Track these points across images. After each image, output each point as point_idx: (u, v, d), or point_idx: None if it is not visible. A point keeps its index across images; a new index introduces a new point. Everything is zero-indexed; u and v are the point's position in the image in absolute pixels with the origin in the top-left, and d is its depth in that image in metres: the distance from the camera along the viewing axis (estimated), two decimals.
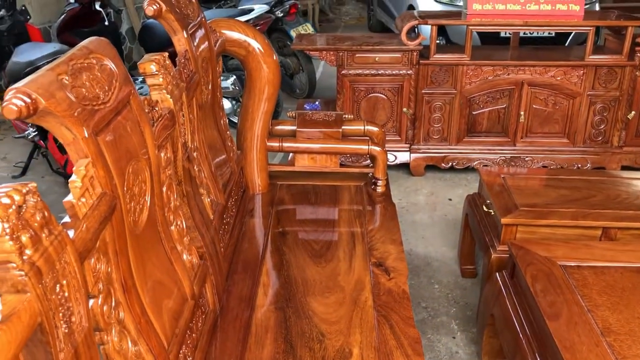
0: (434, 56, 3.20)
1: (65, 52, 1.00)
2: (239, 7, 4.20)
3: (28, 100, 0.85)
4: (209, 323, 1.48)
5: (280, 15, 4.52)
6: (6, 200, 0.72)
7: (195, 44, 1.63)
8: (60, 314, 0.79)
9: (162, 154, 1.29)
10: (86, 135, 0.93)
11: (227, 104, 3.95)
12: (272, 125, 2.24)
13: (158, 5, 1.48)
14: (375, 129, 2.25)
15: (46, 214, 0.78)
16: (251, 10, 3.93)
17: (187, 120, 1.45)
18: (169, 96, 1.33)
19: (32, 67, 2.85)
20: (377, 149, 2.17)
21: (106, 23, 3.97)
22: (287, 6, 4.56)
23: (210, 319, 1.50)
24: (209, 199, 1.66)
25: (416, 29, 3.36)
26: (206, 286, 1.49)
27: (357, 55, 3.21)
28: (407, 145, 3.41)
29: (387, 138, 3.29)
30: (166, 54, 1.36)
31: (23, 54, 3.06)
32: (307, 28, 4.72)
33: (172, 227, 1.34)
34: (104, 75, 1.05)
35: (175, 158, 1.39)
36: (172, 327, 1.22)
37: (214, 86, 1.82)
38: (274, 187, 2.24)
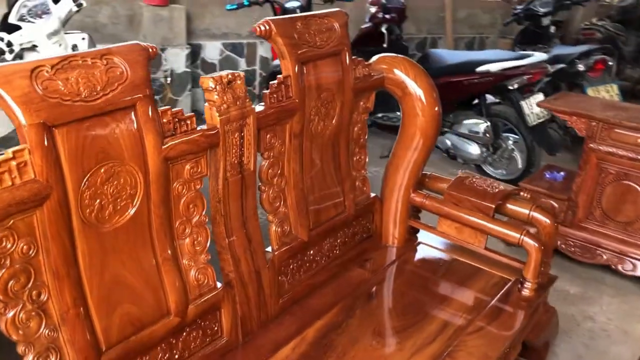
0: None
1: None
2: (520, 52, 3.85)
3: None
4: (215, 350, 1.45)
5: (582, 69, 3.99)
6: None
7: (312, 72, 1.58)
8: None
9: (188, 166, 1.30)
10: (27, 123, 0.99)
11: (475, 150, 3.70)
12: (429, 178, 2.02)
13: (268, 27, 1.47)
14: (545, 219, 1.82)
15: None
16: (529, 56, 3.56)
17: (250, 143, 1.41)
18: (217, 114, 1.32)
19: None
20: (532, 243, 1.75)
21: (384, 45, 4.11)
22: (592, 60, 3.99)
23: (220, 346, 1.46)
24: (279, 229, 1.60)
25: None
26: (221, 312, 1.45)
27: (615, 130, 2.62)
28: None
29: (633, 241, 2.63)
30: (235, 74, 1.35)
31: None
32: (612, 90, 4.05)
33: (186, 240, 1.34)
34: (105, 76, 1.11)
35: (217, 175, 1.38)
36: (124, 332, 1.23)
37: (343, 121, 1.73)
38: (410, 245, 2.03)
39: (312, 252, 1.73)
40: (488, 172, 3.84)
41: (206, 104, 1.34)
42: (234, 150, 1.38)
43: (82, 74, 1.08)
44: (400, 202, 1.98)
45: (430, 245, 2.03)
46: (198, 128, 1.29)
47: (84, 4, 2.78)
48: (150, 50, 1.21)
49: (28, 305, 1.07)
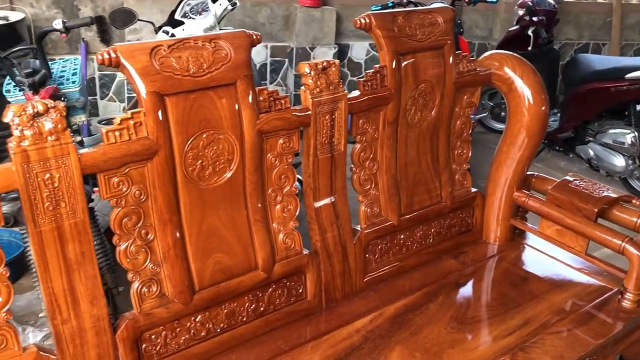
0: None
1: None
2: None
3: (113, 55, 1.22)
4: (298, 310, 1.61)
5: None
6: (29, 107, 1.11)
7: (410, 64, 1.67)
8: (45, 194, 1.15)
9: (281, 141, 1.47)
10: (145, 91, 1.23)
11: (620, 162, 3.46)
12: (535, 178, 1.99)
13: (368, 20, 1.60)
14: None
15: (60, 126, 1.14)
16: None
17: (340, 126, 1.54)
18: (310, 97, 1.48)
19: None
20: (635, 251, 1.67)
21: (529, 48, 3.98)
22: None
23: (303, 307, 1.62)
24: (368, 209, 1.71)
25: None
26: (306, 276, 1.61)
27: None
28: None
29: None
30: (330, 62, 1.49)
31: None
32: None
33: (277, 206, 1.52)
34: (211, 56, 1.32)
35: (307, 152, 1.53)
36: (215, 278, 1.43)
37: (443, 113, 1.80)
38: (511, 244, 2.02)
39: (402, 236, 1.82)
40: (635, 187, 3.57)
41: (302, 87, 1.50)
42: (324, 131, 1.52)
43: (193, 54, 1.30)
44: (503, 200, 1.98)
45: (532, 247, 2.00)
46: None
47: (238, 4, 3.11)
48: (254, 37, 1.39)
49: (137, 241, 1.31)
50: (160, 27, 2.99)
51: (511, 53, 1.90)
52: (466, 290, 1.83)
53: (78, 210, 1.20)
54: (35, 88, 2.48)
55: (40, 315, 2.30)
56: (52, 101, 1.14)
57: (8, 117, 1.10)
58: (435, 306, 1.69)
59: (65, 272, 1.22)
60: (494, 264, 1.94)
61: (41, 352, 1.23)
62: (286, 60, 4.80)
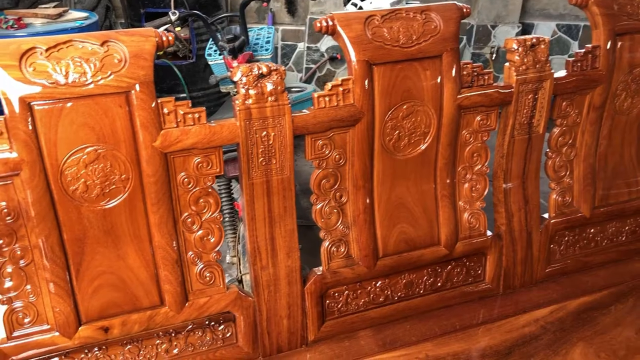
0: None
1: None
2: None
3: (330, 23, 1.28)
4: (475, 291, 1.59)
5: None
6: (255, 68, 1.21)
7: (627, 46, 1.54)
8: (260, 149, 1.25)
9: (478, 118, 1.45)
10: (356, 59, 1.27)
11: None
12: None
13: None
14: None
15: (279, 88, 1.23)
16: None
17: (543, 107, 1.48)
18: (514, 74, 1.43)
19: None
20: None
21: None
22: None
23: (480, 289, 1.60)
24: (559, 198, 1.63)
25: None
26: (486, 259, 1.58)
27: None
28: None
29: None
30: (540, 38, 1.43)
31: None
32: None
33: (465, 185, 1.51)
34: (421, 28, 1.33)
35: (504, 131, 1.49)
36: (398, 247, 1.46)
37: None
38: None
39: (592, 230, 1.71)
40: None
41: (507, 63, 1.45)
42: (525, 111, 1.46)
43: (403, 25, 1.31)
44: None
45: None
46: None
47: None
48: (464, 10, 1.37)
49: (332, 202, 1.38)
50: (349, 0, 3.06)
51: None
52: None
53: (286, 168, 1.28)
54: (235, 53, 2.69)
55: (227, 261, 2.52)
56: (275, 64, 1.23)
57: (237, 76, 1.21)
58: (625, 308, 1.57)
59: (268, 223, 1.32)
60: None
61: (241, 292, 1.35)
62: (464, 37, 4.67)
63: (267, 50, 2.91)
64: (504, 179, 1.54)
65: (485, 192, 1.53)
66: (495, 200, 1.57)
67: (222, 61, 2.83)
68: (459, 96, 1.38)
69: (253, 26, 3.23)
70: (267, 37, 3.04)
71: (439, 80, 1.36)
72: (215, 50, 2.92)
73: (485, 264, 1.59)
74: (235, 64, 2.68)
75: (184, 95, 3.93)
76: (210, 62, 2.93)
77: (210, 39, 2.93)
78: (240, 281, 2.12)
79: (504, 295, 1.63)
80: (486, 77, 1.41)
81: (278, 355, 1.41)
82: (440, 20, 1.34)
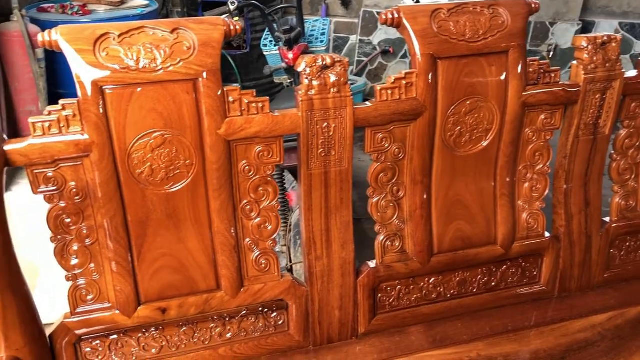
0: None
1: None
2: None
3: (396, 15, 1.27)
4: (529, 293, 1.57)
5: None
6: (319, 59, 1.21)
7: None
8: (320, 141, 1.26)
9: (542, 116, 1.42)
10: (420, 53, 1.26)
11: None
12: None
13: None
14: None
15: (342, 80, 1.23)
16: None
17: (610, 107, 1.43)
18: (582, 73, 1.39)
19: None
20: None
21: None
22: None
23: (535, 291, 1.57)
24: (622, 202, 1.58)
25: None
26: (543, 260, 1.55)
27: None
28: None
29: None
30: (611, 36, 1.38)
31: None
32: None
33: (525, 184, 1.48)
34: (488, 23, 1.30)
35: (568, 131, 1.45)
36: (454, 244, 1.45)
37: None
38: None
39: None
40: None
41: (575, 61, 1.41)
42: (591, 111, 1.42)
43: (470, 19, 1.29)
44: None
45: None
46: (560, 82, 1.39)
47: None
48: (533, 5, 1.34)
49: (388, 197, 1.38)
50: None
51: None
52: None
53: (345, 160, 1.29)
54: (290, 44, 2.70)
55: (276, 250, 2.54)
56: (338, 56, 1.23)
57: (301, 67, 1.22)
58: None
59: (324, 214, 1.33)
60: None
61: (294, 281, 1.37)
62: None
63: (322, 42, 2.91)
64: (565, 179, 1.50)
65: (546, 193, 1.49)
66: (555, 201, 1.54)
67: (277, 52, 2.85)
68: (524, 93, 1.35)
69: (307, 18, 3.24)
70: (322, 29, 3.04)
71: (504, 76, 1.33)
72: (270, 41, 2.95)
73: (541, 265, 1.56)
74: (290, 55, 2.70)
75: (237, 85, 3.98)
76: (265, 53, 2.96)
77: (266, 30, 2.96)
78: (290, 270, 2.14)
79: (559, 299, 1.59)
80: (553, 75, 1.37)
81: (328, 345, 1.42)
82: (508, 15, 1.31)
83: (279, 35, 2.71)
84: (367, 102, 1.28)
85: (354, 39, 4.77)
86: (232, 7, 2.53)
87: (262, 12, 2.70)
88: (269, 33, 2.92)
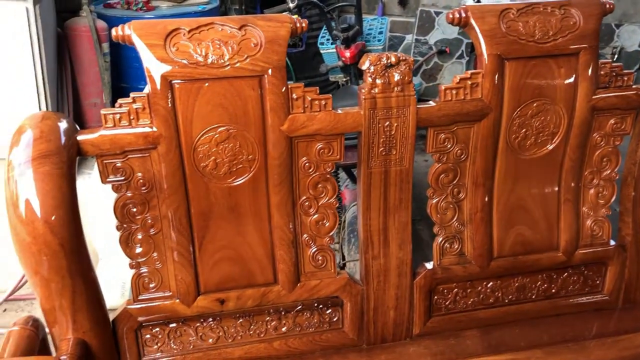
0: None
1: None
2: None
3: (463, 14, 1.25)
4: (591, 302, 1.52)
5: None
6: (384, 58, 1.21)
7: None
8: (382, 139, 1.25)
9: (612, 121, 1.37)
10: (487, 53, 1.24)
11: None
12: None
13: None
14: None
15: (406, 78, 1.22)
16: None
17: None
18: None
19: None
20: None
21: None
22: None
23: (596, 300, 1.53)
24: None
25: None
26: (607, 269, 1.50)
27: None
28: None
29: None
30: None
31: None
32: None
33: (591, 190, 1.43)
34: (559, 23, 1.27)
35: (639, 138, 1.40)
36: (514, 249, 1.42)
37: None
38: None
39: None
40: None
41: None
42: None
43: (540, 20, 1.26)
44: None
45: None
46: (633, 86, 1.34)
47: None
48: (607, 6, 1.30)
49: (449, 198, 1.36)
50: None
51: None
52: None
53: (405, 159, 1.28)
54: (348, 43, 2.70)
55: None
56: (403, 54, 1.22)
57: (365, 65, 1.22)
58: None
59: (383, 213, 1.32)
60: None
61: (350, 279, 1.37)
62: None
63: (379, 40, 2.90)
64: (634, 187, 1.45)
65: (612, 199, 1.44)
66: (622, 208, 1.48)
67: (334, 50, 2.86)
68: (593, 97, 1.31)
69: (365, 16, 3.23)
70: (380, 28, 3.03)
71: (573, 79, 1.29)
72: (327, 39, 2.95)
73: (605, 274, 1.51)
74: (347, 53, 2.70)
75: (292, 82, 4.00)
76: (322, 51, 2.97)
77: (323, 28, 2.96)
78: (342, 268, 2.15)
79: (623, 310, 1.53)
80: (626, 78, 1.33)
81: (382, 345, 1.42)
82: (580, 16, 1.28)
83: (336, 34, 2.71)
84: (430, 102, 1.26)
85: (409, 38, 4.73)
86: (291, 5, 2.55)
87: (321, 10, 2.71)
88: (326, 31, 2.93)
